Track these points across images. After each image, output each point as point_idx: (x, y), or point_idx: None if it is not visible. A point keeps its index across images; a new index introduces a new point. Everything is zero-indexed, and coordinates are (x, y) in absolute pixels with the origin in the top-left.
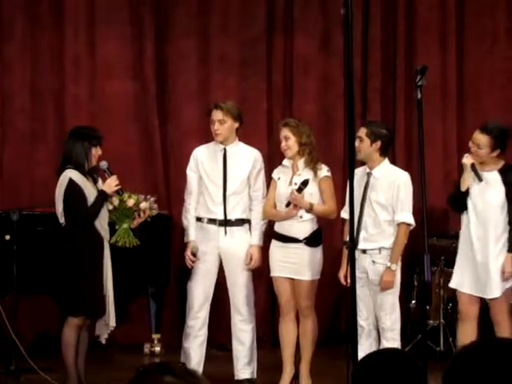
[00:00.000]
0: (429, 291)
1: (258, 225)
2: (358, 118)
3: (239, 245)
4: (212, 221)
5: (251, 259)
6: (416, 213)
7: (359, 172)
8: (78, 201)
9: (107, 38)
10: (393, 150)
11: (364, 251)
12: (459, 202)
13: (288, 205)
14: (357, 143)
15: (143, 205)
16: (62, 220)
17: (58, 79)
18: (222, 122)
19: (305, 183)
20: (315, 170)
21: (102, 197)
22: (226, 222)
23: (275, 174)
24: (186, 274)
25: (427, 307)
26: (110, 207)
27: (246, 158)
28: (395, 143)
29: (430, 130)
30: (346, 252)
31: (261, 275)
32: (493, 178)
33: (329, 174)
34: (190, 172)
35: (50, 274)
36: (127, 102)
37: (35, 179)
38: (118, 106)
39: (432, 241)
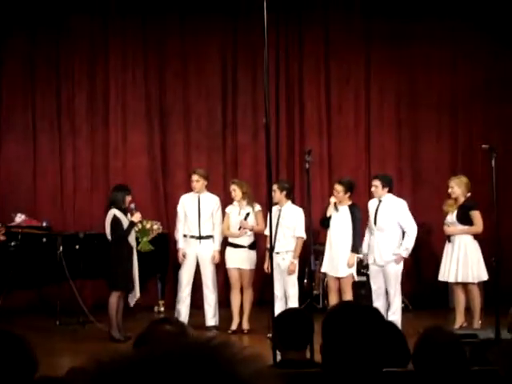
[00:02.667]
0: (313, 275)
1: (218, 238)
2: (273, 179)
3: (208, 250)
4: (192, 236)
5: (214, 258)
6: (306, 231)
7: (274, 208)
8: (119, 227)
9: (133, 134)
10: (293, 196)
11: (278, 252)
12: (325, 222)
13: (240, 228)
14: (273, 194)
15: (155, 226)
16: (109, 237)
17: (105, 159)
18: (198, 181)
19: (247, 214)
20: (253, 207)
21: (131, 224)
22: (200, 237)
23: (228, 209)
24: (177, 266)
25: (313, 283)
26: (136, 229)
27: (210, 200)
28: (294, 193)
29: (314, 185)
30: (267, 253)
31: (220, 267)
32: (344, 210)
33: (260, 208)
34: (179, 209)
35: (103, 267)
36: (144, 171)
37: (93, 215)
38: (139, 173)
39: (316, 246)
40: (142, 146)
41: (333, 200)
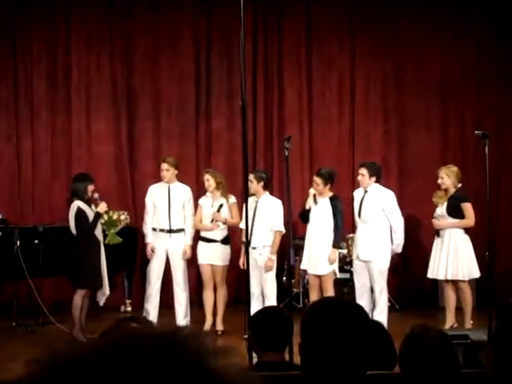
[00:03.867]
0: (293, 271)
1: (189, 231)
2: (250, 168)
3: (179, 244)
4: (162, 230)
5: (185, 253)
6: (285, 224)
7: (251, 200)
8: (83, 220)
9: (98, 120)
10: (271, 187)
11: (254, 248)
12: (305, 216)
13: (212, 221)
14: (250, 184)
15: (122, 217)
16: (73, 231)
17: (67, 146)
18: (168, 170)
19: (221, 206)
20: (227, 198)
21: (97, 216)
22: (170, 230)
23: (201, 201)
24: (145, 262)
25: (292, 281)
26: (102, 221)
27: (181, 191)
28: (272, 184)
29: (293, 175)
30: (243, 248)
31: (192, 262)
32: (325, 203)
33: (235, 200)
34: (148, 200)
35: (65, 263)
36: (110, 159)
37: (53, 206)
38: (104, 161)
39: (295, 241)
40: (108, 133)
41: (312, 192)
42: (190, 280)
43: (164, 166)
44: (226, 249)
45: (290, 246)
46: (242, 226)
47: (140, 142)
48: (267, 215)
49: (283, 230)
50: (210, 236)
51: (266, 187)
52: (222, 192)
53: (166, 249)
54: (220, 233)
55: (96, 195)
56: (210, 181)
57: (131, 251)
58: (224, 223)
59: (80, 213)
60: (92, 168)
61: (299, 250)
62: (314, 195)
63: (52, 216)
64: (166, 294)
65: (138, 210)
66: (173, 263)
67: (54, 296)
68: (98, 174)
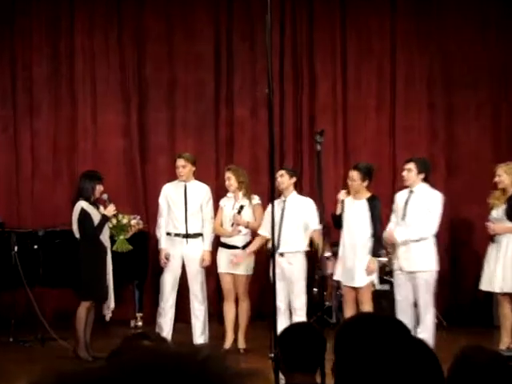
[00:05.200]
0: (325, 282)
1: (208, 237)
2: (276, 165)
3: (196, 250)
4: (177, 234)
5: (204, 260)
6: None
7: (277, 201)
8: (87, 223)
9: (105, 111)
10: (300, 186)
11: (282, 254)
12: (336, 221)
13: (232, 225)
14: (280, 179)
15: (133, 222)
16: (77, 235)
17: (71, 139)
18: (184, 167)
19: (241, 207)
20: (250, 199)
21: (104, 219)
22: (187, 235)
23: (221, 202)
24: (159, 271)
25: (324, 293)
26: (111, 225)
27: (199, 191)
28: (302, 182)
29: (326, 173)
30: (269, 255)
31: (211, 271)
32: (361, 204)
33: (259, 201)
34: (161, 201)
35: (68, 272)
36: (118, 154)
37: (56, 206)
38: (113, 157)
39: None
40: (116, 125)
41: (342, 197)
42: (209, 291)
43: (180, 162)
44: (249, 256)
45: (323, 252)
46: (262, 232)
47: (152, 136)
48: (297, 216)
49: (320, 227)
50: (231, 242)
51: (295, 185)
52: (245, 192)
53: (181, 256)
54: (242, 238)
55: (105, 196)
56: (231, 179)
57: (142, 258)
58: (246, 227)
59: (84, 215)
60: (99, 164)
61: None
62: (343, 201)
63: (54, 218)
64: (182, 306)
65: (150, 212)
66: (189, 272)
67: (56, 308)
68: (106, 171)
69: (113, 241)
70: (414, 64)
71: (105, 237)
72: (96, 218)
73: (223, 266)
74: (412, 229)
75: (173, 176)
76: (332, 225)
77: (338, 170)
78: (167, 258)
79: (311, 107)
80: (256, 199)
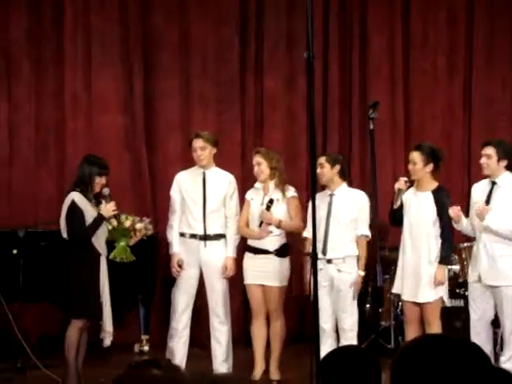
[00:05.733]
0: (381, 296)
1: (232, 239)
2: (318, 147)
3: (217, 256)
4: (193, 236)
5: (227, 269)
6: (370, 228)
7: (320, 195)
8: (76, 221)
9: (102, 77)
10: (349, 176)
11: (330, 261)
12: (396, 217)
13: (261, 224)
14: (320, 170)
15: (139, 225)
16: (64, 235)
17: (58, 114)
18: (203, 149)
19: (271, 201)
20: (283, 191)
21: (99, 219)
22: (205, 237)
23: (248, 195)
24: (169, 282)
25: (379, 310)
26: (110, 227)
27: (222, 181)
28: (351, 170)
29: (381, 157)
30: (309, 262)
31: (235, 283)
32: (426, 198)
33: (295, 194)
34: (174, 194)
35: (53, 283)
36: (119, 134)
37: (39, 200)
38: (111, 138)
39: (384, 252)
40: (115, 96)
41: (400, 186)
42: (233, 308)
43: (198, 142)
44: (284, 263)
45: (377, 260)
46: (307, 234)
47: (161, 110)
48: (349, 213)
49: (369, 234)
50: (261, 245)
51: (342, 176)
52: (278, 182)
53: (199, 263)
54: (274, 241)
55: (106, 191)
56: (261, 165)
57: (149, 267)
58: (278, 227)
59: (73, 210)
60: (93, 146)
61: (389, 265)
62: (399, 190)
63: (36, 215)
64: (199, 327)
65: (158, 209)
66: (209, 284)
67: (40, 329)
68: (102, 154)
69: (112, 247)
70: (496, 12)
71: (99, 241)
72: (90, 215)
73: (251, 276)
74: (504, 222)
75: (188, 162)
76: (389, 223)
77: (396, 154)
78: (180, 266)
79: (362, 73)
80: (291, 191)
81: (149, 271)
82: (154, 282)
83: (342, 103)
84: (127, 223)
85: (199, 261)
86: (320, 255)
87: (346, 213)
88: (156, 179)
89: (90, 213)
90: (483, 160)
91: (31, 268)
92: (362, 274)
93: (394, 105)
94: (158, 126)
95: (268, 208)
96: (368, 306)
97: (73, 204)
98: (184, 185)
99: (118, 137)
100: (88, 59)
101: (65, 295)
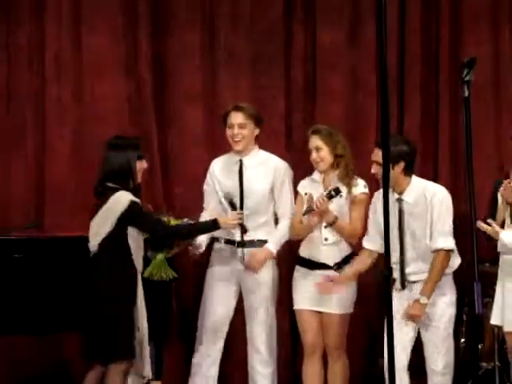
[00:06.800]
0: (481, 327)
1: (281, 235)
2: (392, 123)
3: (261, 270)
4: (229, 242)
5: (259, 259)
6: (465, 235)
7: (393, 196)
8: (149, 218)
9: (95, 31)
10: (435, 162)
11: (411, 281)
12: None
13: (306, 213)
14: (374, 169)
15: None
16: (95, 249)
17: (37, 79)
18: (243, 127)
19: (337, 191)
20: (350, 186)
21: (210, 227)
22: (242, 243)
23: (301, 188)
24: (188, 310)
25: (479, 346)
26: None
27: (266, 169)
28: (438, 152)
29: (481, 135)
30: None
31: (282, 308)
32: None
33: (366, 190)
34: (208, 187)
35: (30, 308)
36: (119, 106)
37: (11, 196)
38: (109, 111)
39: (484, 267)
40: (114, 56)
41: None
42: (279, 341)
43: (237, 117)
44: (348, 282)
45: (475, 277)
46: (369, 244)
47: (176, 74)
48: (425, 219)
49: (453, 246)
50: (316, 257)
51: (409, 173)
52: (344, 173)
53: (236, 277)
54: (332, 250)
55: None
56: (321, 151)
57: (161, 292)
58: (330, 224)
59: (138, 210)
60: (85, 124)
61: (494, 285)
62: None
63: (8, 218)
64: (234, 365)
65: (174, 209)
66: (248, 306)
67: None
68: (98, 135)
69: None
70: None
71: (138, 253)
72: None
73: (304, 300)
74: None
75: (213, 145)
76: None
77: (501, 131)
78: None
79: (453, 19)
80: (360, 186)
81: (161, 296)
82: (169, 313)
83: (426, 60)
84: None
85: (237, 275)
86: (398, 286)
87: (422, 218)
88: (170, 168)
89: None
90: None
91: (2, 288)
92: (425, 301)
93: (499, 62)
94: (173, 95)
95: (330, 197)
96: (463, 340)
97: (133, 204)
98: (218, 176)
99: (118, 110)
100: (77, 7)
101: (93, 331)
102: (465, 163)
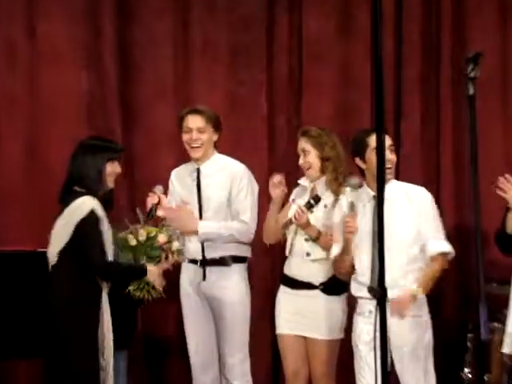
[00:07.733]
0: (487, 355)
1: (221, 224)
2: (389, 120)
3: (226, 290)
4: (192, 261)
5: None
6: (468, 246)
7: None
8: (96, 243)
9: (51, 16)
10: (437, 167)
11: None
12: (504, 243)
13: (284, 227)
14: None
15: (176, 245)
16: (54, 259)
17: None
18: (202, 131)
19: (316, 199)
20: (338, 193)
21: (138, 272)
22: (204, 262)
23: (293, 196)
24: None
25: (485, 377)
26: (134, 242)
27: (223, 176)
28: (439, 156)
29: (487, 134)
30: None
31: (262, 332)
32: None
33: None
34: (170, 196)
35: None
36: (79, 100)
37: None
38: (67, 105)
39: (491, 288)
40: (74, 45)
41: None
42: (259, 369)
43: (194, 121)
44: (335, 304)
45: (480, 297)
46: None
47: (144, 66)
48: (407, 226)
49: (450, 249)
50: (300, 276)
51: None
52: (330, 177)
53: (202, 294)
54: (318, 268)
55: (159, 189)
56: (308, 154)
57: (127, 308)
58: (314, 239)
59: (93, 225)
60: (39, 121)
61: (502, 308)
62: None
63: None
64: None
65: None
66: (217, 328)
67: None
68: (53, 133)
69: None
70: None
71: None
72: (105, 238)
73: (286, 324)
74: None
75: (179, 153)
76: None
77: (510, 129)
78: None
79: (456, 8)
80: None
81: (128, 315)
82: (134, 324)
83: (426, 52)
84: (161, 238)
85: (204, 295)
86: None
87: (403, 225)
88: (135, 171)
89: (105, 234)
90: None
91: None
92: (419, 293)
93: (507, 56)
94: (140, 90)
95: (310, 206)
96: (467, 370)
97: (92, 215)
98: (176, 186)
99: (77, 104)
100: None
101: (51, 356)
102: (469, 169)
